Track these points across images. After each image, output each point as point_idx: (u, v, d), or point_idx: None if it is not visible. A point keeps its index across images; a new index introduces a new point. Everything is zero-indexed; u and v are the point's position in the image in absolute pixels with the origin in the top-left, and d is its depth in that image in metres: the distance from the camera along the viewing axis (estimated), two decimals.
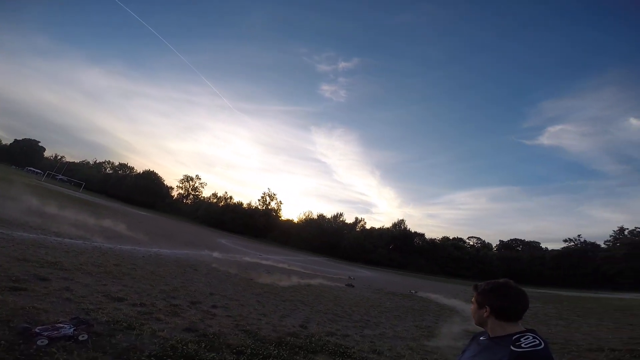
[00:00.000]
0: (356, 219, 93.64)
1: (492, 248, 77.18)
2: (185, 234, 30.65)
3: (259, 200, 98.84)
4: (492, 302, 1.52)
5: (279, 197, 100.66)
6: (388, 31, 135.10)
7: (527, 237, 75.99)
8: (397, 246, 75.74)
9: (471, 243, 79.88)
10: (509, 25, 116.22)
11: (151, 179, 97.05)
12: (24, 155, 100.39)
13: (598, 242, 58.93)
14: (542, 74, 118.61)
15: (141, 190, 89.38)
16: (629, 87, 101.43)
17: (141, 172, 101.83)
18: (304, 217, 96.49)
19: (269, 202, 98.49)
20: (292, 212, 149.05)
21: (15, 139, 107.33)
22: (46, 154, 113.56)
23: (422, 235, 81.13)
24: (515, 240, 76.11)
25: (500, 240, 78.25)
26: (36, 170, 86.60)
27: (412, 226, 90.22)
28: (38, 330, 2.90)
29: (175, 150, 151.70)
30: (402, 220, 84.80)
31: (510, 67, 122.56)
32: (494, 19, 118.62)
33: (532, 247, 70.73)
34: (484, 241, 79.74)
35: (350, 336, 6.74)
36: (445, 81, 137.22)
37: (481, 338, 1.58)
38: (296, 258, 41.14)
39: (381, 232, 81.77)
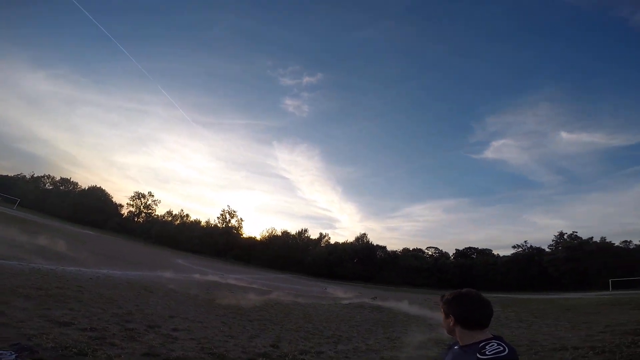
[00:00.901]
0: (320, 234, 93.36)
1: (449, 257, 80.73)
2: (138, 254, 28.32)
3: (218, 217, 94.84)
4: (455, 311, 1.59)
5: (239, 215, 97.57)
6: (348, 47, 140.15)
7: (480, 245, 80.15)
8: (360, 259, 76.58)
9: (430, 253, 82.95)
10: (457, 44, 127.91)
11: (97, 196, 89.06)
12: None
13: (543, 247, 63.92)
14: (486, 90, 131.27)
15: (86, 208, 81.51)
16: (559, 104, 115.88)
17: (86, 188, 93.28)
18: (267, 234, 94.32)
19: (229, 220, 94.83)
20: (254, 229, 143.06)
21: None
22: None
23: (384, 247, 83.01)
24: (470, 248, 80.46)
25: (456, 249, 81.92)
26: None
27: (374, 239, 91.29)
28: None
29: (124, 164, 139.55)
30: (365, 234, 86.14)
31: (458, 84, 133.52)
32: (444, 39, 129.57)
33: (485, 254, 75.07)
34: (441, 251, 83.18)
35: (324, 353, 6.55)
36: (399, 98, 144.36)
37: (455, 347, 1.63)
38: (260, 276, 39.72)
39: (345, 246, 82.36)
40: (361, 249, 79.51)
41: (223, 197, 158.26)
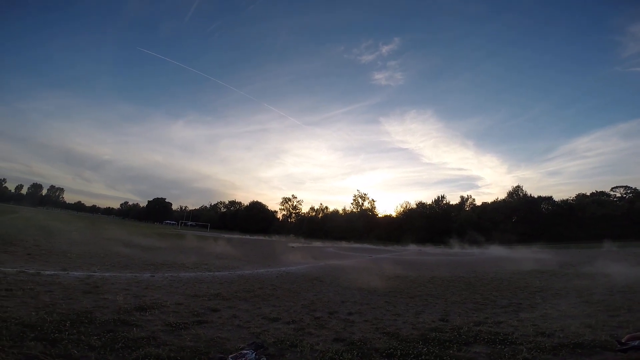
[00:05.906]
0: (462, 197, 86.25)
1: None
2: (300, 250, 33.00)
3: (351, 203, 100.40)
4: None
5: (370, 196, 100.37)
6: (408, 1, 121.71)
7: None
8: (521, 217, 66.31)
9: (618, 195, 64.21)
10: None
11: (258, 209, 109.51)
12: (159, 212, 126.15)
13: None
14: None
15: (252, 220, 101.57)
16: None
17: (248, 204, 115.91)
18: (401, 209, 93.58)
19: (362, 203, 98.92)
20: (388, 207, 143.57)
21: (148, 201, 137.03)
22: (173, 207, 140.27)
23: (550, 198, 69.30)
24: None
25: None
26: (172, 222, 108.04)
27: (533, 190, 76.92)
28: (231, 359, 3.44)
29: (267, 178, 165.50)
30: (519, 186, 74.23)
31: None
32: None
33: None
34: (635, 189, 63.03)
35: (504, 322, 6.18)
36: (508, 29, 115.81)
37: None
38: (405, 252, 39.92)
39: (496, 205, 73.14)
40: (518, 204, 68.89)
41: (351, 182, 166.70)
